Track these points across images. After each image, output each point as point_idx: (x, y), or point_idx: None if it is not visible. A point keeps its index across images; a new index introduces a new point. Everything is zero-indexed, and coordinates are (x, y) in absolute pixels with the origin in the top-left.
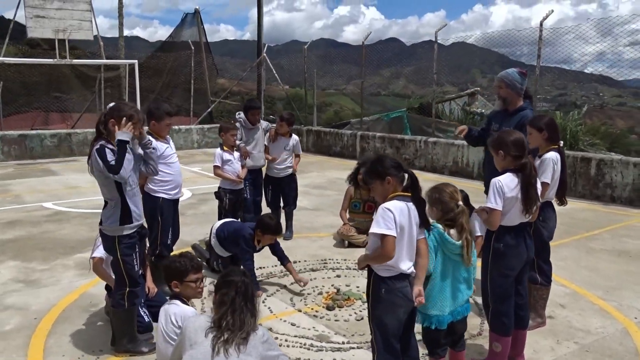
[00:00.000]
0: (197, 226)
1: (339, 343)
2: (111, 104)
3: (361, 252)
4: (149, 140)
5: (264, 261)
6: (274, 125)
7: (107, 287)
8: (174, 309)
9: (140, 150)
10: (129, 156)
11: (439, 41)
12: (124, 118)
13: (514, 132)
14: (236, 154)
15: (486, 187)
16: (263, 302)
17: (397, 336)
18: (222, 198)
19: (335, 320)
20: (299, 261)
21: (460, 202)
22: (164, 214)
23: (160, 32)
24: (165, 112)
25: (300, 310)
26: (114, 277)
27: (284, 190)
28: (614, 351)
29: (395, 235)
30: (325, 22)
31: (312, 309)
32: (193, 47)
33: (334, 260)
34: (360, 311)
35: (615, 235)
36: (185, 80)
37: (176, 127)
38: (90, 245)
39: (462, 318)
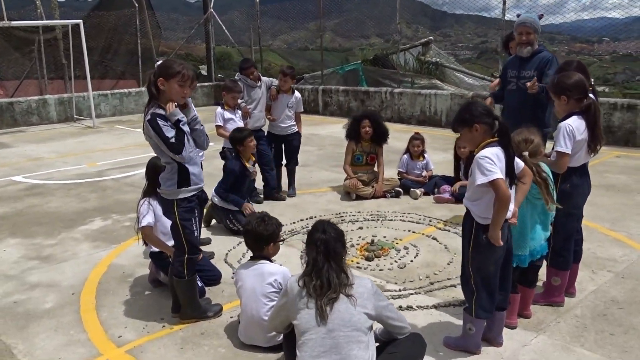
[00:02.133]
0: None
1: (396, 291)
2: (158, 62)
3: (370, 203)
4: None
5: (284, 218)
6: (276, 81)
7: (151, 255)
8: (269, 269)
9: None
10: (186, 128)
11: None
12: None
13: (573, 74)
14: (238, 112)
15: None
16: (300, 257)
17: (497, 276)
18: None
19: (380, 270)
20: (315, 216)
21: (525, 153)
22: None
23: None
24: None
25: None
26: (168, 244)
27: (289, 147)
28: None
29: (502, 176)
30: None
31: (352, 260)
32: (137, 4)
33: (349, 213)
34: (400, 259)
35: (596, 172)
36: (128, 41)
37: (125, 90)
38: (90, 217)
39: (540, 257)
